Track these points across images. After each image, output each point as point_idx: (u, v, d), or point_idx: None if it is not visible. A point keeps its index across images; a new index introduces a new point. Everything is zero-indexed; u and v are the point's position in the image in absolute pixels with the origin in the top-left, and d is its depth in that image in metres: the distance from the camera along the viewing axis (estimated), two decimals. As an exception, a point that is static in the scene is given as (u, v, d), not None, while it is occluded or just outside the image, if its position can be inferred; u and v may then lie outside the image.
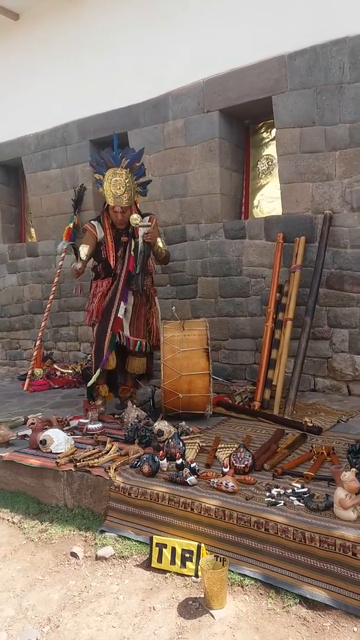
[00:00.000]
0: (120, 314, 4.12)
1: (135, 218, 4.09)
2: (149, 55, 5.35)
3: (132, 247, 4.22)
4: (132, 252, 4.22)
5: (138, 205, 4.46)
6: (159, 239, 4.34)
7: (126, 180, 4.09)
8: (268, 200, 5.26)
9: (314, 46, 4.35)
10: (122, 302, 4.14)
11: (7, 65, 6.66)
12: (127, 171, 4.11)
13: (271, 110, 4.67)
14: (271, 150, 5.17)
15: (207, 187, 5.13)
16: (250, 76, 4.71)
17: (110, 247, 4.26)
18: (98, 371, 4.12)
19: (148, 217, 4.30)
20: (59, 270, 6.09)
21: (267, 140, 5.29)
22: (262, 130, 5.32)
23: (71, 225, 6.07)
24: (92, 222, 4.33)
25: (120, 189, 4.07)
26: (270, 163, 5.24)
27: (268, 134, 5.26)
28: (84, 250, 4.13)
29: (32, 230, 7.09)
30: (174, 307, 4.66)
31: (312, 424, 3.63)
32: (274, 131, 4.89)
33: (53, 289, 6.10)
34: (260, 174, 5.34)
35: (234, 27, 4.77)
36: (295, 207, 4.66)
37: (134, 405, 3.94)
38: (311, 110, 4.44)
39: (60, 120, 6.17)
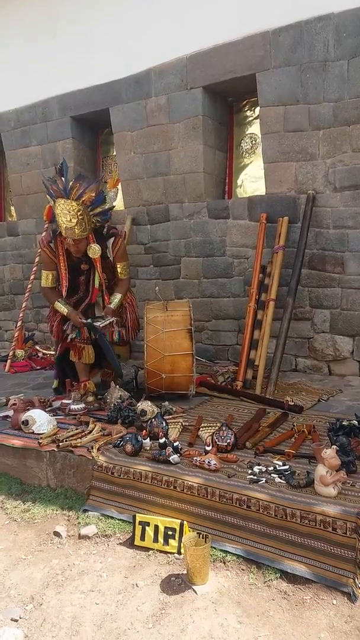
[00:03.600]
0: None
1: (94, 250, 3.77)
2: (131, 29, 5.22)
3: (96, 278, 3.94)
4: (96, 286, 3.95)
5: (119, 185, 4.27)
6: (116, 297, 3.99)
7: (78, 212, 3.63)
8: (251, 180, 5.22)
9: (299, 22, 4.28)
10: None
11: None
12: (79, 202, 3.65)
13: (255, 87, 4.61)
14: (255, 128, 5.12)
15: (190, 166, 5.07)
16: (234, 52, 4.64)
17: (63, 275, 3.91)
18: (56, 382, 4.19)
19: (112, 239, 3.91)
20: (39, 250, 5.98)
21: (250, 118, 5.23)
22: (246, 108, 5.25)
23: (52, 203, 5.95)
24: (50, 243, 3.95)
25: (71, 221, 3.61)
26: (254, 142, 5.19)
27: (252, 112, 5.19)
28: (47, 277, 3.97)
29: (12, 209, 6.95)
30: (157, 288, 4.64)
31: (293, 403, 3.67)
32: (257, 109, 4.83)
33: (34, 269, 6.00)
34: (244, 152, 5.29)
35: (218, 0, 4.66)
36: (279, 187, 4.64)
37: (117, 386, 3.93)
38: (295, 88, 4.39)
39: (40, 96, 6.02)
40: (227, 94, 5.15)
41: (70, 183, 3.67)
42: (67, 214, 3.62)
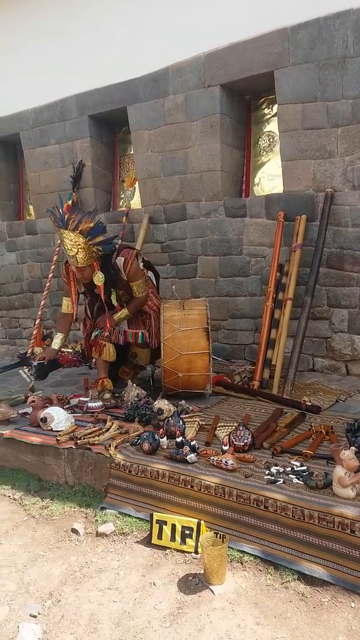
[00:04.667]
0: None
1: (100, 279, 3.79)
2: (148, 28, 5.21)
3: (114, 298, 3.98)
4: (116, 303, 3.99)
5: (137, 184, 4.25)
6: (123, 312, 4.01)
7: (77, 242, 3.67)
8: (269, 178, 5.19)
9: (317, 18, 4.24)
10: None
11: (0, 38, 6.50)
12: (77, 233, 3.66)
13: (273, 85, 4.57)
14: (273, 126, 5.08)
15: (207, 164, 5.06)
16: (252, 50, 4.60)
17: (73, 300, 4.10)
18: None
19: (123, 260, 3.88)
20: (57, 249, 6.05)
21: (268, 116, 5.19)
22: (264, 106, 5.22)
23: (70, 202, 6.00)
24: (63, 270, 4.11)
25: (72, 249, 3.68)
26: (271, 140, 5.16)
27: (270, 109, 5.16)
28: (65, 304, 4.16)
29: (31, 207, 7.01)
30: (173, 287, 4.64)
31: (310, 403, 3.65)
32: (275, 107, 4.80)
33: (52, 267, 6.07)
34: (262, 150, 5.26)
35: (236, -2, 4.64)
36: (297, 185, 4.60)
37: (134, 384, 3.95)
38: (314, 85, 4.35)
39: (58, 95, 6.05)
40: (245, 92, 5.12)
41: (67, 215, 3.69)
42: (66, 244, 3.71)
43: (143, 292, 4.08)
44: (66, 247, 3.73)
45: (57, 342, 4.19)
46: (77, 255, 3.71)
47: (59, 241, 6.03)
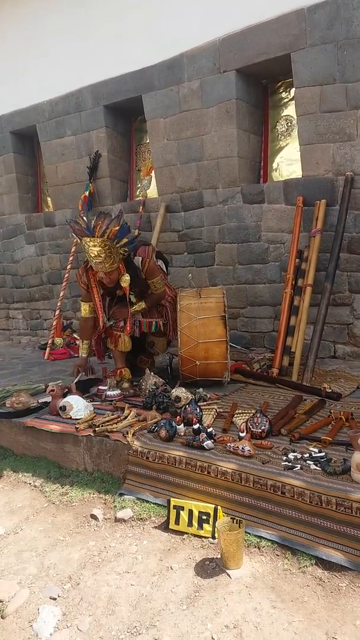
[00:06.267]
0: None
1: (126, 280, 3.77)
2: (161, 14, 5.17)
3: (133, 296, 3.97)
4: (134, 300, 3.97)
5: (153, 173, 4.20)
6: (140, 305, 3.99)
7: (105, 247, 3.61)
8: (287, 163, 5.11)
9: (335, -3, 4.14)
10: None
11: (16, 32, 6.54)
12: (105, 238, 3.62)
13: (290, 68, 4.49)
14: (290, 110, 5.00)
15: (224, 151, 5.01)
16: (267, 32, 4.53)
17: (98, 306, 3.98)
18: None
19: (140, 259, 3.88)
20: (75, 240, 6.06)
21: (286, 100, 5.11)
22: (281, 90, 5.14)
23: (87, 193, 6.02)
24: (83, 277, 3.99)
25: (99, 256, 3.62)
26: (289, 124, 5.08)
27: (287, 93, 5.08)
28: (85, 309, 4.14)
29: (49, 199, 7.06)
30: (190, 275, 4.62)
31: (330, 390, 3.60)
32: (293, 90, 4.71)
33: (70, 258, 6.11)
34: (279, 135, 5.18)
35: (251, -21, 4.56)
36: (316, 169, 4.53)
37: (152, 373, 3.95)
38: (332, 66, 4.26)
39: (73, 86, 6.06)
40: (261, 76, 5.05)
41: (93, 221, 3.64)
42: (94, 251, 3.63)
43: (161, 288, 4.08)
44: (92, 255, 3.64)
45: (84, 349, 4.24)
46: (104, 262, 3.65)
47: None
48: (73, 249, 6.11)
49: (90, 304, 4.08)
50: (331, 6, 4.18)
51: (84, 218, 3.70)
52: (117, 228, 3.65)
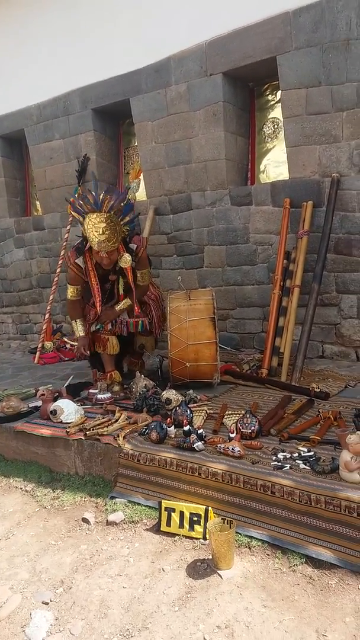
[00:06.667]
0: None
1: (126, 259, 3.78)
2: (149, 18, 5.18)
3: (120, 285, 3.98)
4: (122, 292, 3.99)
5: (141, 176, 4.23)
6: (126, 303, 4.02)
7: (110, 224, 3.63)
8: (274, 165, 5.15)
9: (319, 1, 4.19)
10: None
11: (3, 35, 6.52)
12: (111, 214, 3.67)
13: (276, 71, 4.53)
14: (277, 112, 5.04)
15: (212, 153, 5.03)
16: (253, 36, 4.56)
17: (96, 291, 3.90)
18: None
19: (135, 247, 3.91)
20: (64, 243, 6.08)
21: (272, 102, 5.15)
22: (267, 93, 5.17)
23: (76, 196, 6.00)
24: (77, 261, 3.89)
25: (104, 233, 3.60)
26: (276, 126, 5.12)
27: (273, 96, 5.11)
28: (71, 291, 3.99)
29: (37, 203, 7.05)
30: (179, 277, 4.64)
31: (319, 390, 3.64)
32: (279, 93, 4.75)
33: (60, 262, 6.10)
34: (266, 137, 5.22)
35: (236, -17, 4.60)
36: (302, 171, 4.57)
37: (142, 375, 3.97)
38: (317, 69, 4.30)
39: (61, 90, 6.06)
40: (248, 79, 5.08)
41: (101, 196, 3.68)
42: (99, 227, 3.61)
43: (147, 282, 4.09)
44: (97, 232, 3.61)
45: (81, 328, 4.06)
46: (108, 239, 3.63)
47: (66, 235, 6.07)
48: (62, 252, 6.10)
49: (78, 287, 3.98)
50: (316, 9, 4.22)
51: (92, 193, 3.72)
52: (123, 204, 3.72)
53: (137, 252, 3.90)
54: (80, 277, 3.93)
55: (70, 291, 4.02)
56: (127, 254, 3.79)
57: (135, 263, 3.92)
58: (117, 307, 4.00)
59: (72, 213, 3.91)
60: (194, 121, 5.08)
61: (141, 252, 3.93)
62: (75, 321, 4.09)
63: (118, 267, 3.87)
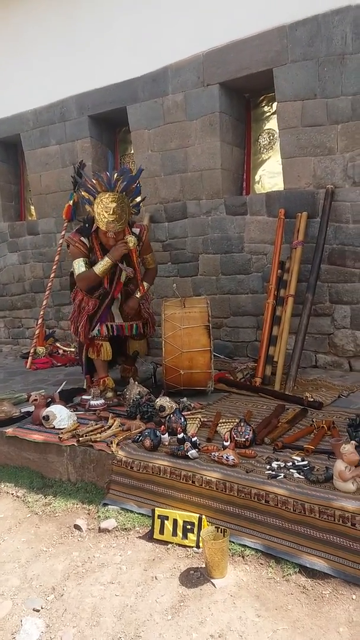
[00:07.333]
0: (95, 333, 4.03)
1: (131, 240, 3.83)
2: (147, 28, 5.23)
3: (123, 275, 4.02)
4: (121, 280, 4.03)
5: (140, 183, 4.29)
6: (145, 285, 4.13)
7: (121, 204, 3.73)
8: (269, 176, 5.20)
9: (315, 15, 4.25)
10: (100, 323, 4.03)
11: (1, 39, 6.53)
12: (123, 195, 3.78)
13: (272, 83, 4.58)
14: (272, 124, 5.09)
15: (207, 163, 5.07)
16: (250, 48, 4.62)
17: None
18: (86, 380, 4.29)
19: (139, 230, 4.03)
20: (59, 249, 6.07)
21: (268, 114, 5.20)
22: (263, 104, 5.23)
23: (71, 202, 6.03)
24: (82, 238, 3.92)
25: (114, 212, 3.70)
26: (271, 137, 5.17)
27: (269, 107, 5.17)
28: (81, 264, 3.89)
29: (32, 208, 7.04)
30: (174, 285, 4.65)
31: (312, 399, 3.65)
32: (275, 105, 4.81)
33: (54, 267, 6.09)
34: (262, 148, 5.27)
35: (235, -4, 4.66)
36: (297, 182, 4.61)
37: (136, 382, 3.96)
38: (313, 82, 4.35)
39: (58, 96, 6.08)
40: (244, 90, 5.13)
41: (115, 176, 3.79)
42: (110, 207, 3.70)
43: (154, 264, 4.28)
44: (108, 212, 3.69)
45: (102, 260, 3.87)
46: (117, 219, 3.73)
47: (60, 241, 6.06)
48: (57, 258, 6.09)
49: (85, 259, 3.93)
50: (312, 24, 4.29)
51: (107, 173, 3.80)
52: (134, 186, 3.86)
53: (140, 236, 4.02)
54: (86, 253, 3.96)
55: (77, 265, 3.91)
56: (132, 236, 3.89)
57: (140, 247, 4.05)
58: (138, 295, 4.09)
59: (83, 192, 3.97)
60: (190, 130, 5.12)
61: (145, 235, 4.08)
62: (93, 269, 3.88)
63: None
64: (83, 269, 3.92)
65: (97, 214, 3.75)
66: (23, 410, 3.90)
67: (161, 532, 2.54)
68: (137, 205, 4.10)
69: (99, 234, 3.90)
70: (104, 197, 3.72)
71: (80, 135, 5.99)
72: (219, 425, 3.25)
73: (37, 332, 5.94)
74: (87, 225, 3.97)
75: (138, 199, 4.04)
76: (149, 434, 3.00)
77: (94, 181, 3.81)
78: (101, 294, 4.03)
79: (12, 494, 3.27)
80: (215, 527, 2.37)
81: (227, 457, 2.70)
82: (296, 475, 2.53)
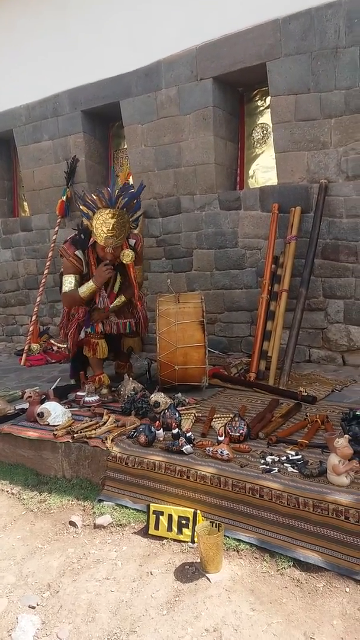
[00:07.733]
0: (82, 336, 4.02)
1: (128, 255, 3.83)
2: (140, 21, 5.20)
3: (117, 285, 4.03)
4: (114, 291, 4.03)
5: (130, 178, 4.30)
6: (120, 299, 4.07)
7: (121, 220, 3.76)
8: (263, 170, 5.19)
9: (309, 9, 4.23)
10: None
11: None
12: (123, 211, 3.80)
13: (265, 77, 4.56)
14: (266, 118, 5.08)
15: (201, 157, 5.05)
16: (244, 42, 4.59)
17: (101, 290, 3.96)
18: (72, 381, 4.30)
19: (134, 242, 4.01)
20: (52, 245, 6.05)
21: (261, 108, 5.19)
22: (257, 98, 5.21)
23: (64, 198, 6.01)
24: (77, 252, 3.90)
25: (114, 228, 3.72)
26: (265, 132, 5.15)
27: (263, 101, 5.15)
28: (70, 282, 3.89)
29: (25, 204, 7.01)
30: (169, 281, 4.65)
31: (306, 394, 3.66)
32: (268, 99, 4.79)
33: (47, 263, 6.07)
34: (255, 143, 5.26)
35: (227, -11, 4.63)
36: (291, 177, 4.60)
37: (131, 378, 3.96)
38: (306, 76, 4.34)
39: (50, 91, 6.03)
40: (238, 84, 5.11)
41: (116, 192, 3.79)
42: (109, 223, 3.70)
43: (140, 278, 4.21)
44: (107, 228, 3.70)
45: (88, 282, 3.88)
46: (116, 235, 3.74)
47: (54, 237, 6.04)
48: (50, 254, 6.07)
49: (77, 276, 3.93)
50: (305, 17, 4.27)
51: (108, 189, 3.80)
52: (135, 201, 3.87)
53: (136, 246, 4.00)
54: (79, 268, 3.93)
55: (67, 282, 3.94)
56: (129, 250, 3.87)
57: (137, 257, 4.02)
58: (112, 305, 4.01)
59: (82, 207, 3.92)
60: (183, 125, 5.10)
61: (140, 246, 4.05)
62: (79, 290, 3.90)
63: (118, 262, 3.91)
64: (71, 287, 3.91)
65: (96, 229, 3.75)
66: (17, 407, 3.89)
67: (156, 527, 2.55)
68: (137, 220, 4.10)
69: (97, 248, 3.88)
70: (104, 212, 3.73)
71: (73, 130, 5.95)
72: (214, 420, 3.25)
73: (31, 329, 5.92)
74: (82, 236, 3.92)
75: (138, 213, 4.03)
76: (143, 429, 3.01)
77: (94, 197, 3.79)
78: (93, 307, 4.03)
79: (7, 491, 3.27)
80: (210, 521, 2.38)
81: (221, 452, 2.70)
82: (290, 469, 2.54)
